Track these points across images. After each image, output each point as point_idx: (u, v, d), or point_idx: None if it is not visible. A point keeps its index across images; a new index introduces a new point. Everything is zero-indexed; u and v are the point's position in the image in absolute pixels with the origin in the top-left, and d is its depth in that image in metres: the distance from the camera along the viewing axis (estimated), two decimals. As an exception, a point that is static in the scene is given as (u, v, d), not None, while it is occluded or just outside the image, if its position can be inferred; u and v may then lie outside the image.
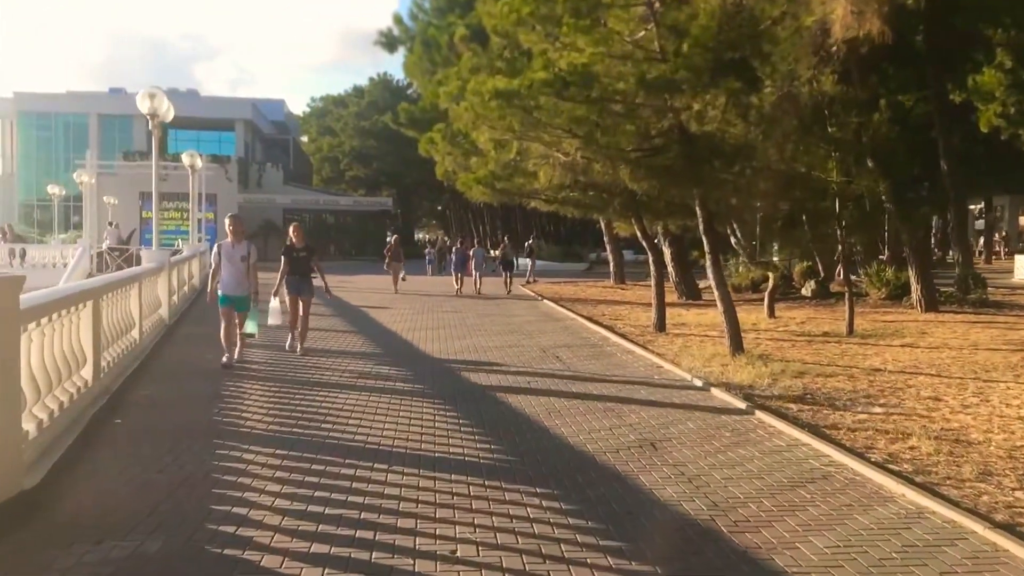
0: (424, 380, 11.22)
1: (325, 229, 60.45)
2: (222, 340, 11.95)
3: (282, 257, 13.68)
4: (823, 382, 11.06)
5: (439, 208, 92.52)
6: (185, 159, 26.97)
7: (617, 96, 12.48)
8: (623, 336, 16.04)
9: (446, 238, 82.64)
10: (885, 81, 19.63)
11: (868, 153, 16.56)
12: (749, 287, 27.62)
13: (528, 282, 33.46)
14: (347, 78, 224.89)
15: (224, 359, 11.78)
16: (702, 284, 29.20)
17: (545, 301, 24.97)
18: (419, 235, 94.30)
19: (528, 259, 37.27)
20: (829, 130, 15.93)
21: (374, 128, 70.72)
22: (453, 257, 29.36)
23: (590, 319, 19.43)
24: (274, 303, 13.51)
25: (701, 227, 13.41)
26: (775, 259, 27.04)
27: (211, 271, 12.34)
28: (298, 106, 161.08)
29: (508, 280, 29.67)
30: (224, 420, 8.67)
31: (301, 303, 13.44)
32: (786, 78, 13.17)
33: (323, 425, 8.45)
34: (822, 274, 27.04)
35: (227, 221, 12.51)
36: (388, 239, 64.62)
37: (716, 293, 13.44)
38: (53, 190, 41.88)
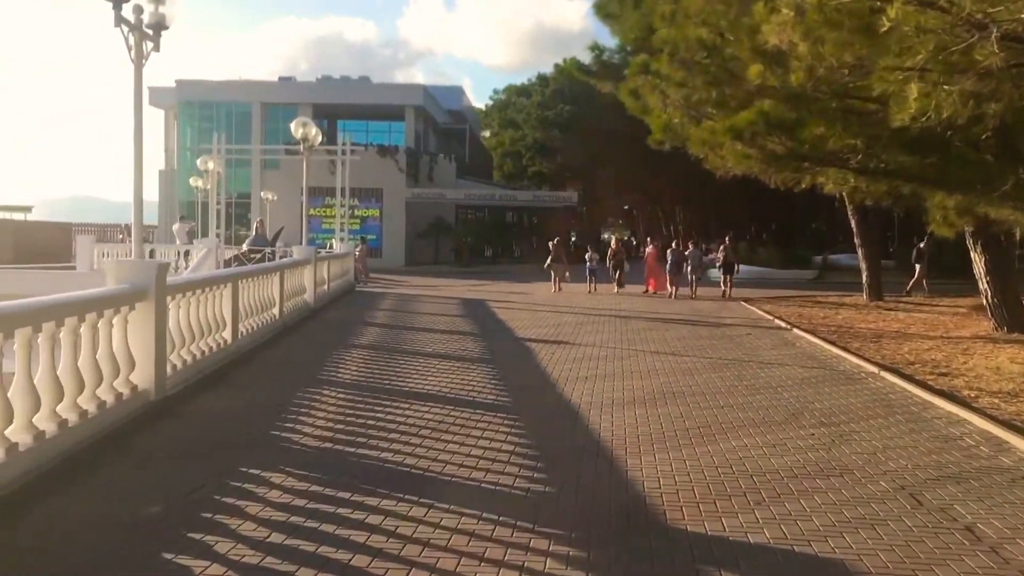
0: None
1: (504, 227, 53.98)
2: None
3: None
4: None
5: (625, 207, 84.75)
6: (295, 129, 20.52)
7: None
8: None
9: (633, 239, 74.78)
10: None
11: None
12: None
13: (909, 293, 26.76)
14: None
15: None
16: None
17: (796, 331, 16.91)
18: (605, 234, 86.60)
19: (917, 265, 27.82)
20: None
21: (559, 118, 63.91)
22: (668, 259, 26.16)
23: (914, 380, 11.27)
24: None
25: None
26: None
27: None
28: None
29: (727, 284, 26.26)
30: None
31: None
32: None
33: None
34: None
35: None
36: (572, 239, 57.91)
37: None
38: (196, 183, 37.38)
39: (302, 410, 8.73)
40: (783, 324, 18.25)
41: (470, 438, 7.70)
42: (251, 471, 6.47)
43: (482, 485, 6.32)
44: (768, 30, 6.35)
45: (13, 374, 5.86)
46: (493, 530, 5.35)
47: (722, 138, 8.99)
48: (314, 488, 6.10)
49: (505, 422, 8.40)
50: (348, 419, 8.38)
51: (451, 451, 7.22)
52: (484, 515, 5.60)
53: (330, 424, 8.11)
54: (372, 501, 5.83)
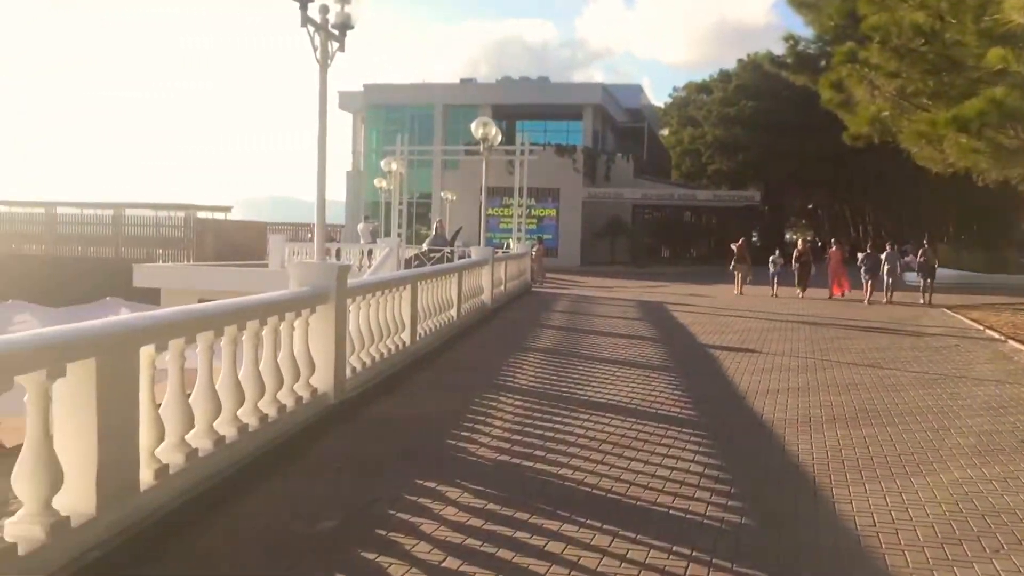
0: None
1: (682, 227, 52.70)
2: None
3: None
4: None
5: (809, 207, 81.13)
6: (476, 129, 20.53)
7: None
8: None
9: (817, 240, 71.16)
10: None
11: None
12: None
13: None
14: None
15: None
16: None
17: (1012, 344, 15.33)
18: (788, 235, 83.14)
19: None
20: None
21: (740, 115, 61.93)
22: (863, 264, 24.71)
23: None
24: None
25: None
26: None
27: None
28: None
29: (928, 289, 24.45)
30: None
31: None
32: None
33: None
34: None
35: None
36: (753, 239, 55.65)
37: None
38: (380, 184, 38.41)
39: (478, 418, 8.46)
40: (996, 335, 16.60)
41: (655, 455, 7.18)
42: (427, 484, 6.21)
43: (671, 512, 5.79)
44: (1011, 6, 5.46)
45: (195, 369, 5.84)
46: (686, 568, 4.82)
47: (943, 130, 8.03)
48: (491, 507, 5.76)
49: (692, 439, 7.82)
50: (525, 429, 8.04)
51: (635, 470, 6.72)
52: (675, 548, 5.08)
53: (507, 434, 7.79)
54: (552, 525, 5.42)
